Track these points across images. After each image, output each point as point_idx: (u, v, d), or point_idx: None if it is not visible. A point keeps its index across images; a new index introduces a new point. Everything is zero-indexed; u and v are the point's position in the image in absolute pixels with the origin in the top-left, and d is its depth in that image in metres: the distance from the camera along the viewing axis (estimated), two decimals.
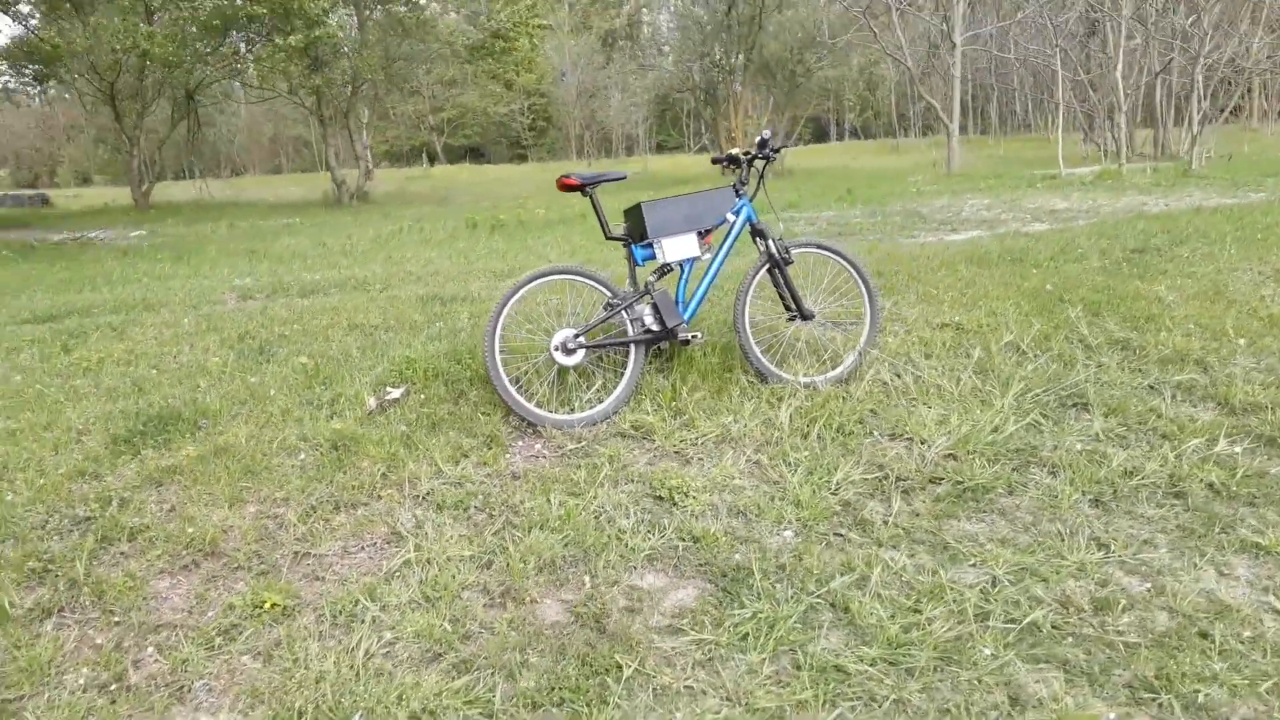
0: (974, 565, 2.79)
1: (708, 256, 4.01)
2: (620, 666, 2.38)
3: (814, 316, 4.10)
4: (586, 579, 2.77)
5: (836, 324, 4.40)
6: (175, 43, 20.92)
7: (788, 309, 4.07)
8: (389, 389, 3.82)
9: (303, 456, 3.42)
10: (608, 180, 3.91)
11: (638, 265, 3.94)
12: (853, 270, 4.09)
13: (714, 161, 4.02)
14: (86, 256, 12.62)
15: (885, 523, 3.01)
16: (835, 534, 2.98)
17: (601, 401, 3.76)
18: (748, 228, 4.00)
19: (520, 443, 3.66)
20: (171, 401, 3.79)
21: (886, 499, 3.18)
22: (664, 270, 3.92)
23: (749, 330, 3.98)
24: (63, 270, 10.61)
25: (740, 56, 28.73)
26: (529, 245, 10.30)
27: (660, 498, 3.20)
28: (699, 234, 3.91)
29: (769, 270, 3.98)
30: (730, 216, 3.94)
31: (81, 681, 2.41)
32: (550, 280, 3.82)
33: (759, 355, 3.99)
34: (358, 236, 13.57)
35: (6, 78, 26.38)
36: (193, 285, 7.86)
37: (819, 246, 4.09)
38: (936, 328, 4.67)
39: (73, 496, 3.16)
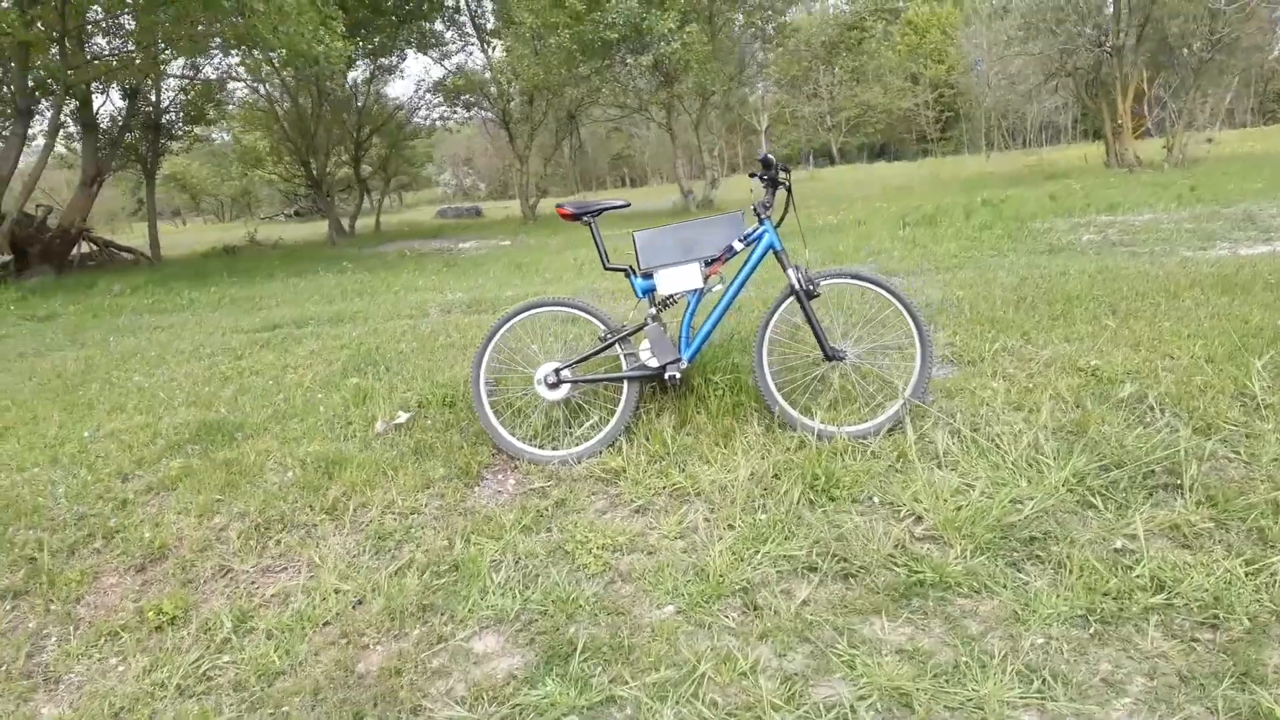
0: (846, 679, 2.20)
1: (719, 288, 3.62)
2: None
3: (844, 358, 3.50)
4: (418, 632, 2.61)
5: (878, 367, 3.74)
6: (559, 67, 23.27)
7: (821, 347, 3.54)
8: (399, 412, 3.92)
9: (289, 475, 3.59)
10: (607, 209, 3.67)
11: (639, 298, 3.65)
12: (900, 306, 3.41)
13: (762, 163, 3.54)
14: (404, 266, 14.29)
15: (781, 612, 2.48)
16: (720, 616, 2.52)
17: (589, 439, 3.55)
18: (772, 255, 3.53)
19: (497, 476, 3.53)
20: (228, 413, 4.22)
21: (814, 582, 2.62)
22: (666, 303, 3.59)
23: (767, 369, 3.50)
24: (351, 279, 12.25)
25: (1129, 35, 24.63)
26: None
27: (566, 552, 2.92)
28: (703, 263, 3.53)
29: (797, 303, 3.49)
30: (738, 245, 3.51)
31: None
32: (541, 312, 3.66)
33: (777, 397, 3.48)
34: None
35: (444, 109, 31.64)
36: (424, 297, 8.66)
37: (855, 277, 3.48)
38: (1062, 371, 3.81)
39: (100, 494, 3.63)
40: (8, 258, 16.67)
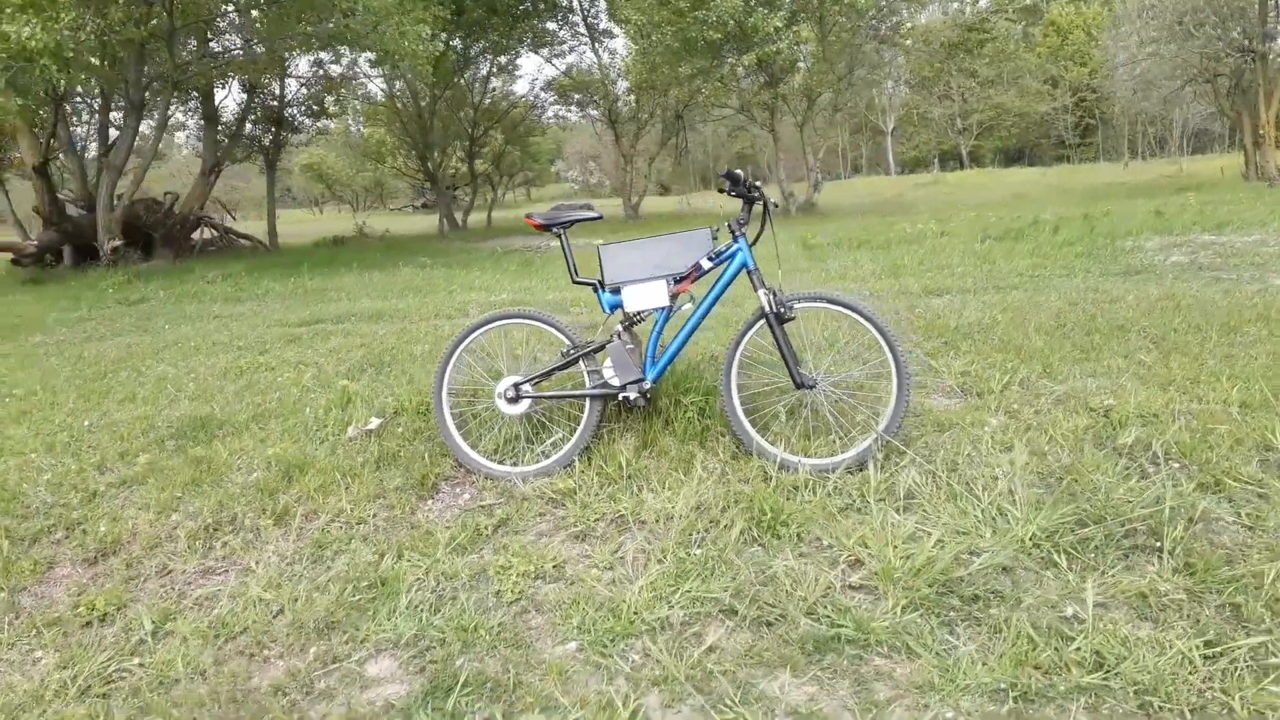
0: None
1: (688, 307, 3.45)
2: None
3: (813, 386, 3.28)
4: (316, 649, 2.55)
5: (854, 398, 3.49)
6: (663, 65, 23.34)
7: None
8: (372, 419, 3.89)
9: (255, 475, 3.59)
10: (578, 220, 3.55)
11: (606, 313, 3.52)
12: (877, 333, 3.17)
13: (725, 178, 3.24)
14: (480, 263, 14.30)
15: (683, 658, 2.32)
16: (620, 658, 2.38)
17: (549, 457, 3.44)
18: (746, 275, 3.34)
19: (453, 490, 3.44)
20: (219, 410, 4.28)
21: (728, 627, 2.44)
22: (632, 320, 3.45)
23: (735, 394, 3.31)
24: (421, 275, 12.40)
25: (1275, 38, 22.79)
26: (820, 266, 9.65)
27: (489, 575, 2.81)
28: (669, 281, 3.37)
29: (768, 327, 3.30)
30: (705, 263, 3.34)
31: None
32: (507, 324, 3.55)
33: (744, 423, 3.28)
34: None
35: (559, 107, 32.36)
36: (472, 297, 8.70)
37: (831, 301, 3.27)
38: (1071, 411, 3.51)
39: (75, 484, 3.70)
40: (118, 242, 17.62)
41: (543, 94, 31.55)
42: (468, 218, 30.82)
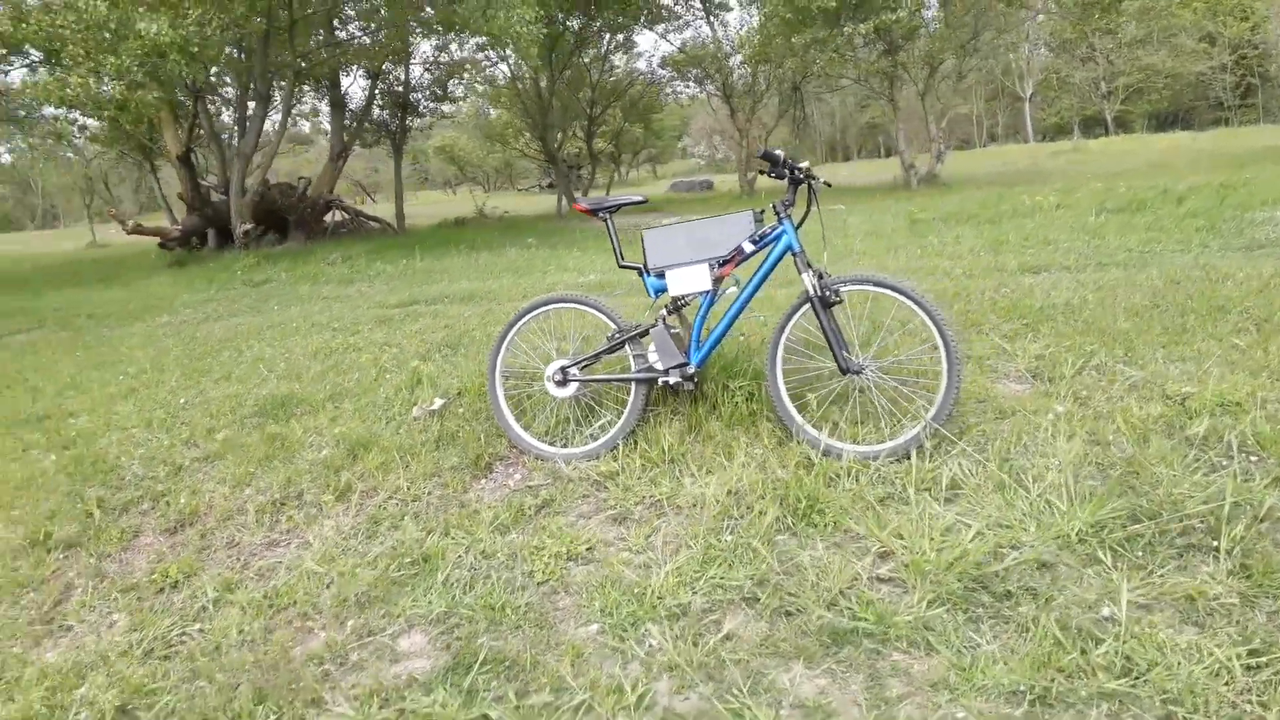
0: None
1: (733, 290, 3.40)
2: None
3: (859, 371, 3.18)
4: (354, 622, 2.65)
5: (905, 384, 3.34)
6: (776, 37, 23.06)
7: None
8: (436, 399, 4.00)
9: (324, 452, 3.76)
10: (625, 204, 3.53)
11: (651, 297, 3.50)
12: (927, 318, 3.05)
13: (763, 159, 3.18)
14: (583, 243, 14.01)
15: (698, 645, 2.31)
16: (638, 642, 2.38)
17: (597, 439, 3.47)
18: (792, 258, 3.25)
19: (506, 470, 3.51)
20: (301, 388, 4.48)
21: (748, 615, 2.40)
22: (678, 304, 3.42)
23: (781, 378, 3.25)
24: (522, 256, 12.57)
25: None
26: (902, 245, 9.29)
27: (525, 555, 2.85)
28: (713, 264, 3.32)
29: (813, 311, 3.21)
30: (748, 246, 3.27)
31: (23, 606, 3.10)
32: (555, 308, 3.58)
33: (789, 408, 3.22)
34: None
35: (677, 83, 32.13)
36: (560, 278, 8.77)
37: (877, 284, 3.15)
38: (1146, 398, 3.30)
39: (164, 458, 3.94)
40: (249, 225, 18.61)
41: (660, 71, 31.50)
42: (586, 196, 31.04)
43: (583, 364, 3.50)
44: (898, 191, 20.44)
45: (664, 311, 3.38)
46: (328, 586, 2.84)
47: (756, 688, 2.11)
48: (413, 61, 24.88)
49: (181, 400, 4.65)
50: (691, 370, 3.30)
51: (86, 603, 2.97)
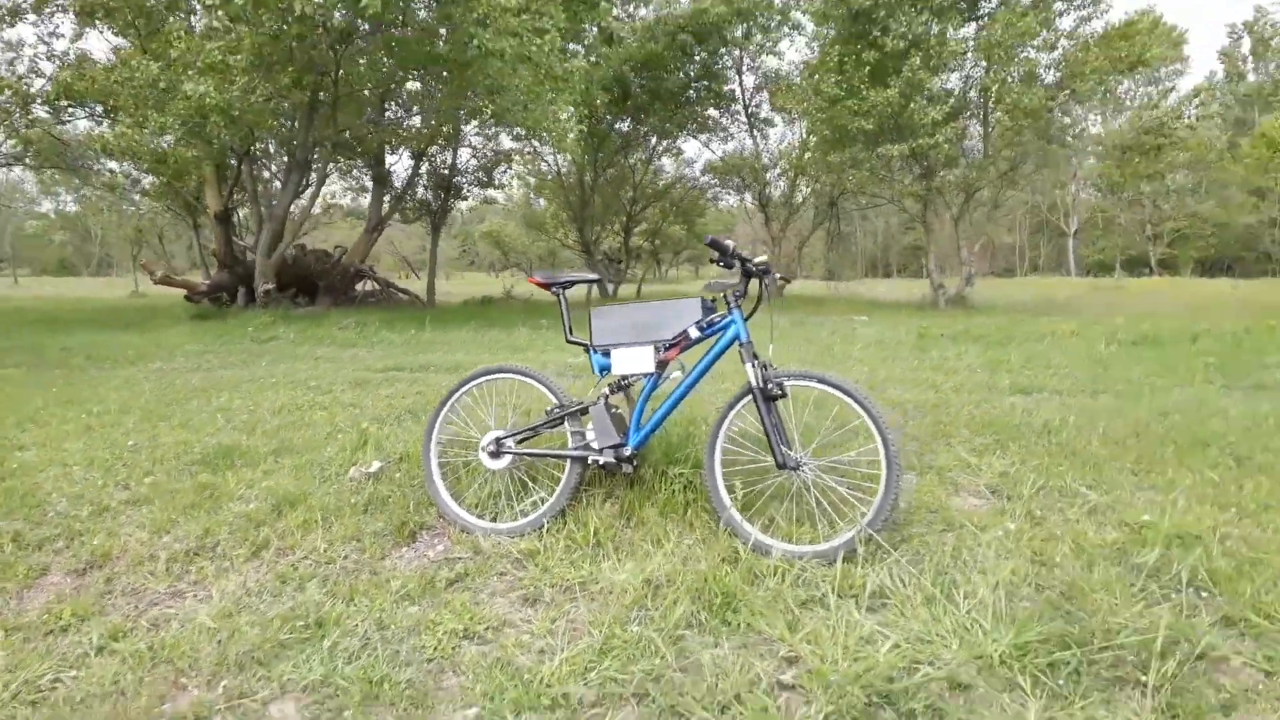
0: None
1: (677, 374, 3.31)
2: None
3: (797, 467, 3.05)
4: (229, 683, 2.50)
5: (845, 484, 3.22)
6: (815, 151, 23.56)
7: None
8: (374, 462, 3.90)
9: (251, 505, 3.65)
10: (577, 281, 3.49)
11: (596, 375, 3.41)
12: (868, 419, 2.94)
13: (711, 246, 3.12)
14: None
15: None
16: None
17: (528, 515, 3.34)
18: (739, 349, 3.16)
19: (430, 540, 3.36)
20: (249, 442, 4.40)
21: (636, 714, 2.19)
22: (622, 384, 3.34)
23: (719, 468, 3.13)
24: (526, 336, 12.47)
25: None
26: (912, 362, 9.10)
27: (423, 629, 2.71)
28: (658, 347, 3.25)
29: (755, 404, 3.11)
30: (694, 332, 3.20)
31: None
32: (497, 378, 3.52)
33: (723, 499, 3.07)
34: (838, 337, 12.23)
35: (717, 189, 32.86)
36: (551, 357, 8.70)
37: (821, 380, 3.05)
38: (1102, 523, 3.15)
39: (93, 499, 3.83)
40: (270, 286, 18.89)
41: (703, 176, 32.18)
42: (617, 288, 31.21)
43: (519, 437, 3.40)
44: (924, 310, 20.38)
45: (606, 390, 3.30)
46: (217, 644, 2.70)
47: None
48: (460, 145, 25.70)
49: (130, 442, 4.57)
50: (628, 452, 3.19)
51: None
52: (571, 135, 17.11)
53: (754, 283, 3.22)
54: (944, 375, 7.12)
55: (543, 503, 3.31)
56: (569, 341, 3.43)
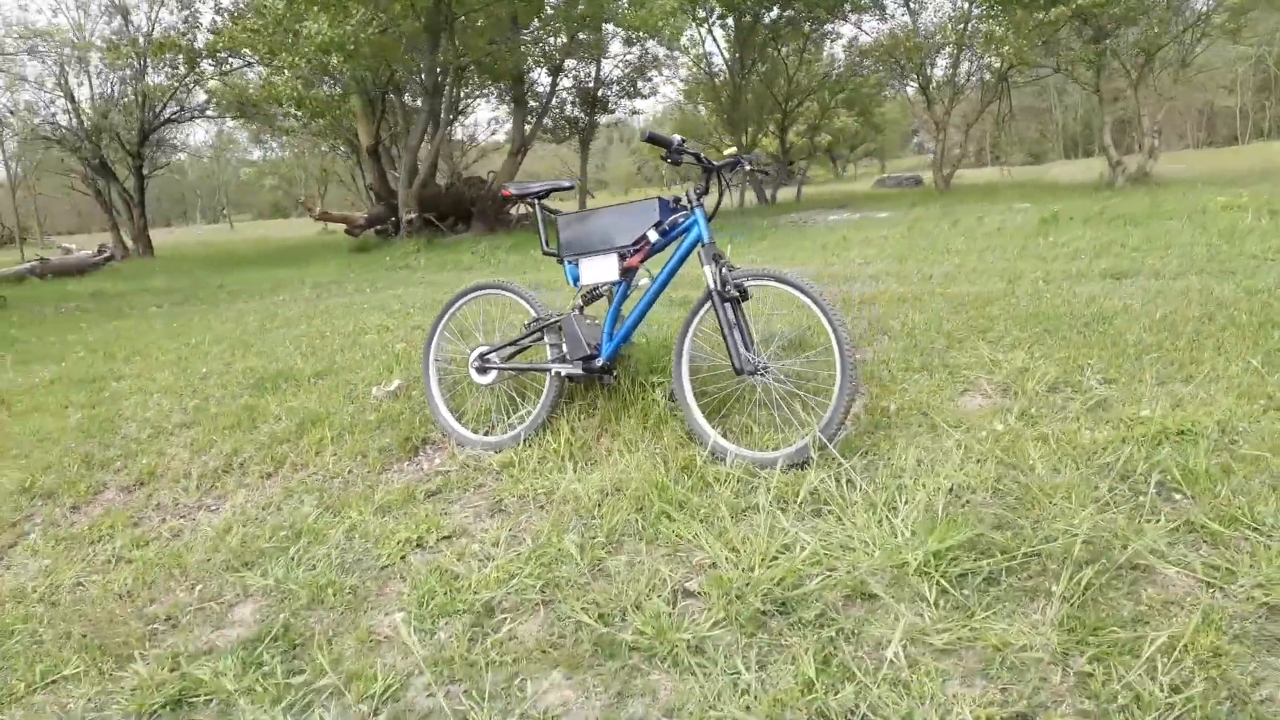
0: None
1: (645, 282, 3.22)
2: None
3: (755, 371, 2.93)
4: (204, 588, 2.72)
5: (801, 388, 3.07)
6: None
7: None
8: (395, 380, 4.05)
9: (281, 425, 3.91)
10: (553, 190, 3.41)
11: (572, 285, 3.37)
12: (824, 319, 2.77)
13: (651, 142, 2.94)
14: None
15: (473, 644, 2.21)
16: (425, 634, 2.31)
17: (514, 429, 3.40)
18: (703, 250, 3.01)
19: (431, 454, 3.48)
20: (295, 366, 4.67)
21: (536, 618, 2.25)
22: (594, 294, 3.29)
23: (685, 374, 3.05)
24: None
25: None
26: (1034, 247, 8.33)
27: (379, 538, 2.85)
28: (622, 254, 3.16)
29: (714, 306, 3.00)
30: (652, 234, 3.07)
31: None
32: (484, 294, 3.55)
33: (691, 406, 3.01)
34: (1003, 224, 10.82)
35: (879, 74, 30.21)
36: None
37: (778, 279, 2.89)
38: (1100, 420, 2.89)
39: (155, 423, 4.19)
40: (412, 215, 19.68)
41: (864, 62, 29.83)
42: (774, 194, 29.14)
43: (504, 352, 3.46)
44: (1099, 191, 18.61)
45: (580, 301, 3.29)
46: (205, 552, 2.95)
47: (501, 693, 2.01)
48: (604, 56, 25.34)
49: (203, 370, 4.97)
50: (600, 363, 3.19)
51: (31, 547, 3.23)
52: (682, 29, 16.46)
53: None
54: (1036, 263, 6.61)
55: (529, 416, 3.38)
56: (545, 253, 3.43)
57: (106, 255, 21.87)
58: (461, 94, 24.96)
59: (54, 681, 2.28)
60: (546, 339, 3.35)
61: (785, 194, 30.46)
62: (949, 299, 5.01)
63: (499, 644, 2.18)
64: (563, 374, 3.24)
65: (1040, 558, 2.16)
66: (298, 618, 2.43)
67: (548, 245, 3.42)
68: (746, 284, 2.91)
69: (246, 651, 2.29)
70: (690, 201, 3.04)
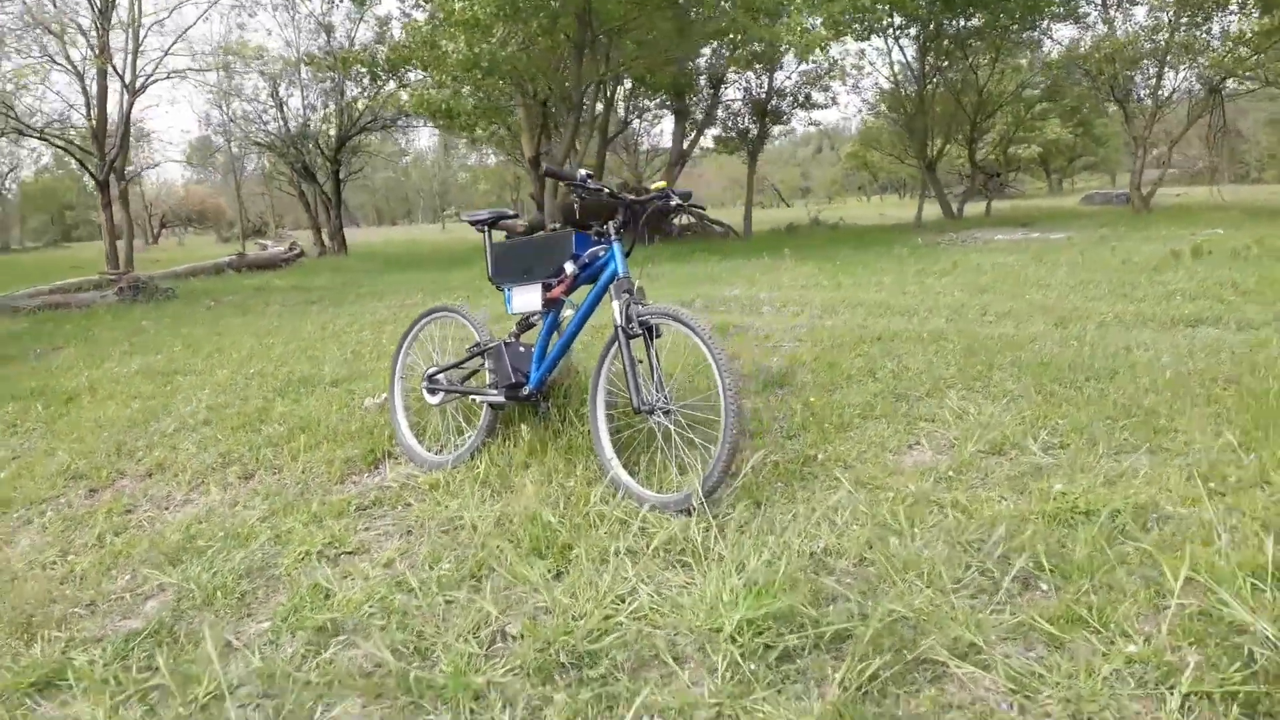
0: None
1: (569, 313, 3.19)
2: None
3: (653, 411, 2.85)
4: (124, 581, 2.92)
5: (695, 432, 2.95)
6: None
7: None
8: (383, 393, 4.21)
9: (279, 428, 4.13)
10: (500, 219, 3.44)
11: (509, 313, 3.38)
12: (712, 363, 2.67)
13: (549, 177, 3.01)
14: (873, 259, 12.96)
15: (304, 663, 2.28)
16: (270, 646, 2.40)
17: (455, 450, 3.47)
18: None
19: (391, 467, 3.63)
20: (321, 372, 4.93)
21: (370, 647, 2.31)
22: (527, 322, 3.29)
23: (601, 413, 3.04)
24: (759, 266, 12.16)
25: None
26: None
27: (297, 545, 2.97)
28: (545, 286, 3.14)
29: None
30: (568, 267, 3.03)
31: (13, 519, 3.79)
32: (440, 317, 3.63)
33: (602, 442, 2.99)
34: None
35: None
36: (717, 292, 8.53)
37: (674, 318, 2.79)
38: (1020, 491, 2.65)
39: (183, 419, 4.56)
40: (555, 225, 20.26)
41: (1057, 72, 27.79)
42: (961, 207, 27.87)
43: (448, 374, 3.55)
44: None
45: (516, 329, 3.33)
46: (149, 544, 3.18)
47: (291, 715, 2.09)
48: (777, 68, 24.98)
49: (251, 370, 5.36)
50: (527, 391, 3.22)
51: (42, 524, 3.59)
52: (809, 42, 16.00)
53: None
54: (1117, 303, 6.08)
55: (467, 440, 3.45)
56: (490, 279, 3.49)
57: (297, 252, 23.52)
58: (632, 106, 25.41)
59: None
60: (485, 365, 3.42)
61: (970, 210, 28.82)
62: (973, 340, 4.72)
63: (323, 664, 2.26)
64: (488, 401, 3.30)
65: (851, 640, 2.03)
66: (183, 617, 2.59)
67: (491, 271, 3.49)
68: (654, 321, 2.87)
69: (124, 644, 2.46)
70: (611, 235, 3.03)
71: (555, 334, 3.25)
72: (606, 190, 3.00)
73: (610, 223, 3.03)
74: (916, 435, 3.26)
